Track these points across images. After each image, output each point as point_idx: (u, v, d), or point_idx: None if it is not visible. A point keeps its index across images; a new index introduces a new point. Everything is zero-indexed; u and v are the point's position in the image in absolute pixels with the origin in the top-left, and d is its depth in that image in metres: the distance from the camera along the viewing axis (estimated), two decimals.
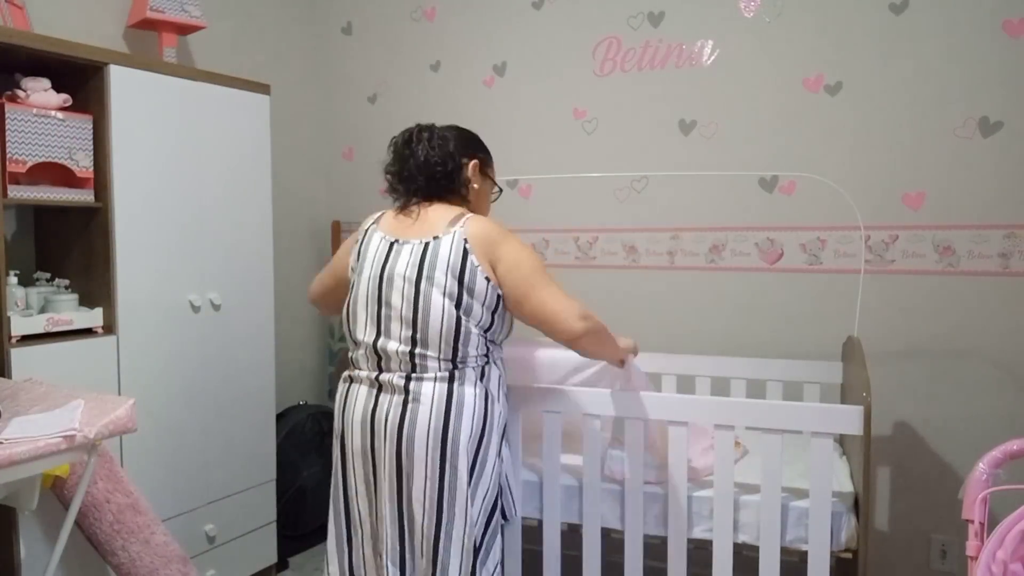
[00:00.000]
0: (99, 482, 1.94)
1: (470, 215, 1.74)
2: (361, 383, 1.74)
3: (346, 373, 1.79)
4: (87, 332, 2.20)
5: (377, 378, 1.70)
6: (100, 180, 2.22)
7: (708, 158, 2.75)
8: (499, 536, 1.79)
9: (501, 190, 1.97)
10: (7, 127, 2.02)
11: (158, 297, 2.35)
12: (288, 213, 3.34)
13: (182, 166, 2.42)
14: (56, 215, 2.35)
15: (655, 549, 2.01)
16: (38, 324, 2.08)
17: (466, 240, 1.68)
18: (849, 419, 1.74)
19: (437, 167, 1.77)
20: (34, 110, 2.08)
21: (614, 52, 2.90)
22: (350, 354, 1.79)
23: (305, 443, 3.07)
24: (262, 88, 2.69)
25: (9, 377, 1.97)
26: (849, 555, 1.81)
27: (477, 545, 1.69)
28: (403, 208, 1.80)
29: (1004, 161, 2.36)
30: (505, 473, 1.85)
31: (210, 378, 2.53)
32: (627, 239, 2.91)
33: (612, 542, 2.02)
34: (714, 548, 1.87)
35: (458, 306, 1.65)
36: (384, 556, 1.69)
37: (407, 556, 1.69)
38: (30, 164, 2.07)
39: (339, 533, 1.78)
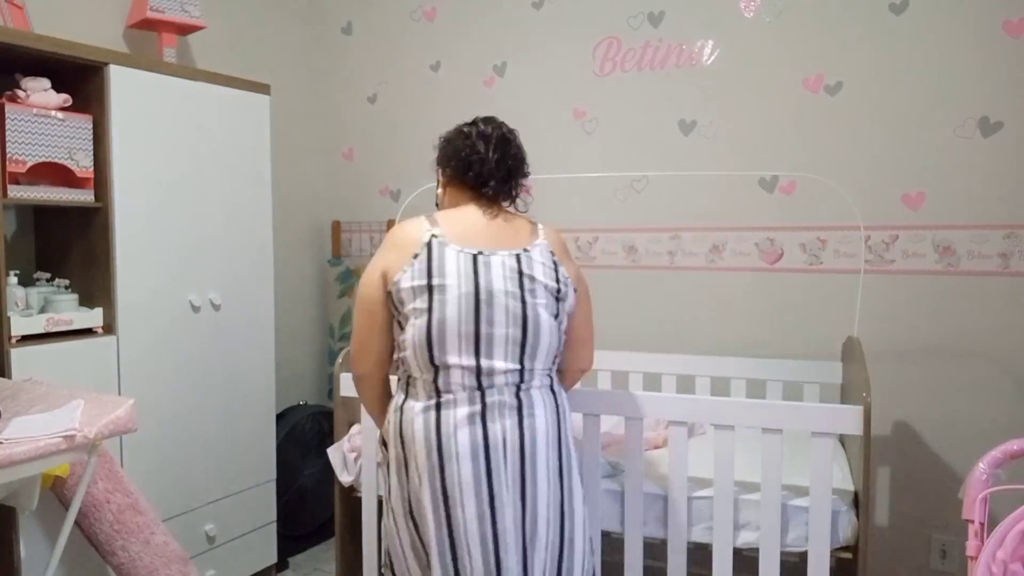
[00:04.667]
0: (99, 482, 1.94)
1: (539, 223, 1.69)
2: (457, 408, 1.52)
3: (423, 404, 1.55)
4: (87, 332, 2.20)
5: (482, 400, 1.53)
6: (100, 180, 2.22)
7: (708, 158, 2.75)
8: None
9: None
10: (7, 127, 2.02)
11: (158, 297, 2.35)
12: (288, 213, 3.34)
13: (182, 166, 2.42)
14: (56, 215, 2.35)
15: (655, 550, 2.01)
16: (38, 324, 2.08)
17: (552, 252, 1.63)
18: (849, 419, 1.74)
19: (517, 173, 1.70)
20: (34, 110, 2.08)
21: (614, 52, 2.90)
22: (421, 377, 1.55)
23: (305, 443, 3.07)
24: (262, 88, 2.69)
25: (9, 377, 1.97)
26: (849, 555, 1.81)
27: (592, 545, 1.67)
28: (459, 211, 1.65)
29: (1004, 161, 2.36)
30: None
31: (210, 378, 2.53)
32: (627, 239, 2.91)
33: (612, 542, 2.02)
34: (714, 548, 1.87)
35: (559, 322, 1.61)
36: None
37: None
38: (30, 164, 2.07)
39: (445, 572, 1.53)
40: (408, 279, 1.55)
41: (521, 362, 1.55)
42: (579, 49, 2.95)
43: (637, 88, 2.86)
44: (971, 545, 1.33)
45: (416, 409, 1.56)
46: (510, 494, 1.53)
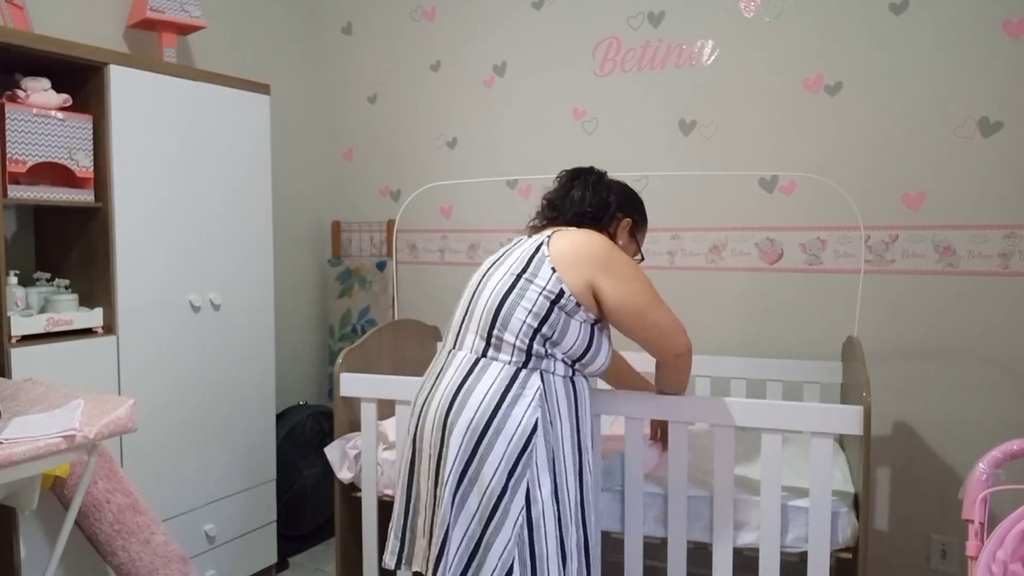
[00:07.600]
0: (99, 482, 1.94)
1: (566, 230, 1.73)
2: (436, 364, 1.77)
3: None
4: (87, 332, 2.20)
5: (449, 356, 1.73)
6: (100, 180, 2.23)
7: (708, 158, 2.75)
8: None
9: (643, 258, 1.95)
10: (7, 127, 2.02)
11: (158, 297, 2.36)
12: (288, 213, 3.34)
13: (182, 166, 2.42)
14: (56, 215, 2.35)
15: (655, 549, 2.01)
16: (38, 324, 2.08)
17: (543, 244, 1.67)
18: (849, 419, 1.74)
19: (588, 208, 1.79)
20: (34, 110, 2.08)
21: (614, 52, 2.90)
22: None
23: (305, 443, 3.06)
24: (262, 88, 2.69)
25: (9, 377, 1.97)
26: (849, 555, 1.81)
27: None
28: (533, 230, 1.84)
29: (1004, 161, 2.36)
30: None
31: (210, 378, 2.53)
32: None
33: (612, 542, 2.02)
34: (713, 548, 1.86)
35: (513, 285, 1.64)
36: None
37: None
38: (30, 164, 2.07)
39: (400, 512, 1.75)
40: None
41: (463, 321, 1.73)
42: (579, 49, 2.95)
43: (637, 88, 2.86)
44: (971, 545, 1.33)
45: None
46: (424, 460, 1.70)
